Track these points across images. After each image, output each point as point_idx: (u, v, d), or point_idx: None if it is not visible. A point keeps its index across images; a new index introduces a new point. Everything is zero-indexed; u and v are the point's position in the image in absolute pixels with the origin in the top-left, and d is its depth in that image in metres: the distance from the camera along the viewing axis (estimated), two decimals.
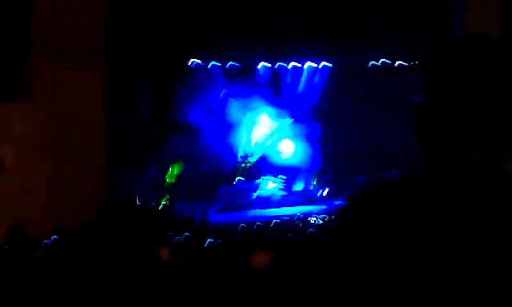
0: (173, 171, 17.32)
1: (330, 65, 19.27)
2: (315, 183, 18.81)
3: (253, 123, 18.68)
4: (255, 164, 18.48)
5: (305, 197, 18.14)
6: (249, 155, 18.47)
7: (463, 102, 1.89)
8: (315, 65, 19.30)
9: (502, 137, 1.89)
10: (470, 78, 1.89)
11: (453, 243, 1.84)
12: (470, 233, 1.84)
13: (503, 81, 1.88)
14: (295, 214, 15.78)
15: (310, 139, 18.77)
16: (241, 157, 18.46)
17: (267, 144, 18.81)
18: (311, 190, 18.50)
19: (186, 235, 13.93)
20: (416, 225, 1.85)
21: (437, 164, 1.93)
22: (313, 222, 14.22)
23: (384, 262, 1.87)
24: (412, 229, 1.85)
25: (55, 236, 12.29)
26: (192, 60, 17.30)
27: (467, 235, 1.84)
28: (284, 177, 18.34)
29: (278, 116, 18.91)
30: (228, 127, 18.22)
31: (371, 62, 19.17)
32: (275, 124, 18.93)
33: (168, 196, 16.85)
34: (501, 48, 1.93)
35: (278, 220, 15.23)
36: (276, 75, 19.04)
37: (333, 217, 14.35)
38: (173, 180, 17.24)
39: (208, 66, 17.95)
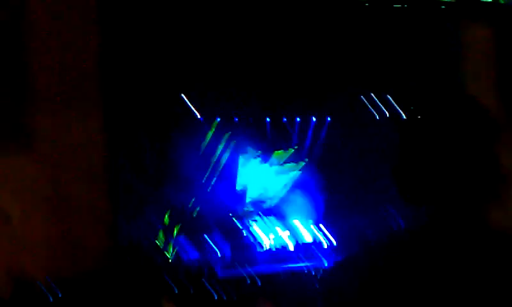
0: (178, 223, 17.22)
1: (333, 118, 19.29)
2: (321, 236, 18.67)
3: (258, 176, 18.63)
4: (261, 216, 18.38)
5: (311, 250, 17.98)
6: (254, 207, 18.39)
7: (436, 157, 1.97)
8: (319, 118, 19.33)
9: (476, 193, 1.97)
10: (443, 136, 1.99)
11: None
12: None
13: (473, 137, 1.97)
14: (303, 267, 15.66)
15: (316, 190, 18.68)
16: (247, 209, 18.37)
17: (273, 196, 18.74)
18: (317, 243, 18.34)
19: (192, 288, 13.85)
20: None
21: (418, 218, 1.99)
22: (318, 275, 14.15)
23: None
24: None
25: (57, 286, 12.22)
26: (195, 111, 17.35)
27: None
28: (289, 230, 18.22)
29: (284, 168, 18.87)
30: (233, 180, 18.18)
31: (376, 115, 19.20)
32: (281, 176, 18.88)
33: (172, 248, 16.72)
34: (473, 102, 2.04)
35: (283, 274, 15.15)
36: (281, 128, 19.06)
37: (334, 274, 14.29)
38: (179, 232, 17.13)
39: (214, 119, 17.98)
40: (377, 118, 19.07)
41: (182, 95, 16.74)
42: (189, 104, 17.02)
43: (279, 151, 18.86)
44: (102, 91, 13.16)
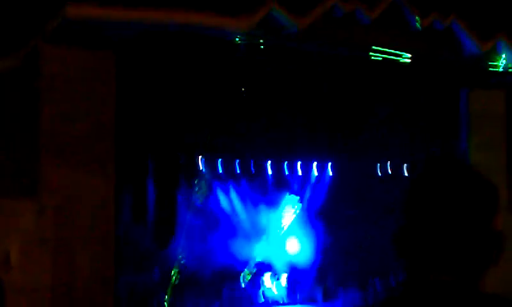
0: (177, 274, 17.16)
1: (336, 169, 19.36)
2: (321, 286, 18.64)
3: (261, 223, 18.64)
4: (260, 265, 18.35)
5: (311, 301, 17.96)
6: (254, 258, 18.36)
7: (435, 226, 1.99)
8: (322, 165, 19.40)
9: (472, 260, 1.99)
10: (443, 206, 2.00)
11: None
12: None
13: (473, 209, 1.99)
14: None
15: (317, 241, 18.70)
16: (247, 259, 18.33)
17: (274, 245, 18.73)
18: (317, 293, 18.31)
19: None
20: None
21: (414, 283, 2.03)
22: None
23: None
24: None
25: None
26: (200, 158, 17.39)
27: None
28: (288, 283, 18.18)
29: (285, 215, 18.89)
30: (235, 228, 18.18)
31: (378, 166, 19.28)
32: (282, 224, 18.90)
33: (170, 297, 16.65)
34: (476, 176, 2.04)
35: None
36: (283, 174, 19.11)
37: None
38: (177, 282, 17.07)
39: (216, 167, 18.02)
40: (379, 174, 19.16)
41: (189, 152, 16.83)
42: (196, 159, 17.09)
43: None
44: (112, 145, 13.16)
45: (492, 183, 2.04)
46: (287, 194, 18.98)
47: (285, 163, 19.04)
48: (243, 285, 18.00)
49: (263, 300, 17.57)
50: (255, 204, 18.45)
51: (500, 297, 1.97)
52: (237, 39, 13.62)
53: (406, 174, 18.78)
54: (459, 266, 2.00)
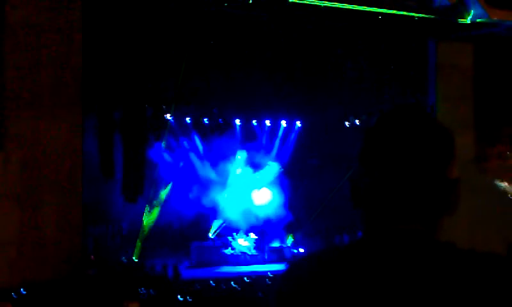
0: (145, 225, 17.17)
1: (305, 122, 19.34)
2: (289, 240, 18.73)
3: (228, 178, 18.63)
4: (228, 219, 18.37)
5: (278, 255, 18.01)
6: (222, 210, 18.37)
7: (390, 174, 1.99)
8: (290, 122, 19.37)
9: (428, 208, 1.99)
10: (404, 152, 1.99)
11: None
12: (403, 300, 1.90)
13: (428, 156, 1.99)
14: (267, 272, 15.69)
15: (284, 195, 18.73)
16: (215, 212, 18.35)
17: (241, 199, 18.73)
18: (284, 248, 18.38)
19: (157, 290, 13.84)
20: (351, 292, 1.92)
21: (376, 233, 2.00)
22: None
23: None
24: (347, 297, 1.91)
25: (24, 290, 12.13)
26: (167, 113, 17.28)
27: (401, 302, 1.90)
28: (256, 235, 18.24)
29: (252, 171, 18.88)
30: (202, 182, 18.15)
31: (346, 121, 19.30)
32: (249, 179, 18.90)
33: (139, 250, 16.67)
34: (432, 124, 2.03)
35: (249, 278, 15.17)
36: (251, 131, 19.07)
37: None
38: (145, 234, 17.08)
39: (184, 120, 17.93)
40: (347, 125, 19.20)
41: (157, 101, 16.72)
42: (164, 108, 16.99)
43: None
44: (79, 96, 13.03)
45: (448, 130, 2.03)
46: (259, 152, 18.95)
47: (254, 120, 18.99)
48: (212, 237, 18.05)
49: (231, 251, 17.62)
50: (223, 158, 18.41)
51: (454, 246, 1.97)
52: None
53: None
54: (415, 214, 1.99)
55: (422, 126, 2.01)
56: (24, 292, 12.10)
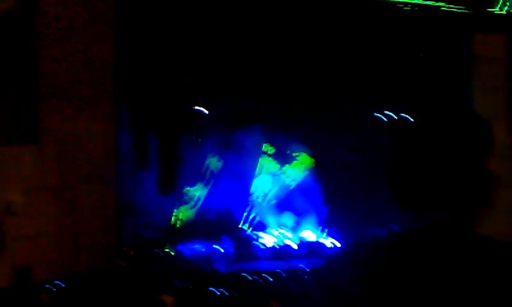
0: (179, 218, 17.21)
1: (338, 115, 19.19)
2: (322, 235, 18.67)
3: (261, 171, 18.59)
4: (262, 212, 18.35)
5: (312, 249, 17.96)
6: (257, 203, 18.36)
7: (437, 167, 2.01)
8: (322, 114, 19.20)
9: (466, 201, 2.01)
10: (444, 144, 2.02)
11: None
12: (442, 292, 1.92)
13: (474, 145, 2.00)
14: (302, 265, 15.68)
15: (317, 188, 18.65)
16: (249, 205, 18.34)
17: (276, 192, 18.69)
18: (318, 242, 18.32)
19: (192, 283, 13.87)
20: (398, 283, 1.96)
21: (410, 226, 2.04)
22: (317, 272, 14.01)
23: None
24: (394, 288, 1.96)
25: (60, 282, 12.22)
26: (201, 106, 17.25)
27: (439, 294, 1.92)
28: (290, 228, 18.20)
29: (284, 164, 18.79)
30: (235, 175, 18.13)
31: (381, 114, 19.14)
32: (282, 172, 18.83)
33: (173, 243, 16.73)
34: (472, 113, 2.05)
35: (286, 272, 15.16)
36: (284, 124, 18.94)
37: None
38: (179, 227, 17.13)
39: (219, 114, 17.88)
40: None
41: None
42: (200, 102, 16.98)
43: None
44: (114, 88, 13.10)
45: (486, 122, 2.02)
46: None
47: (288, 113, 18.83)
48: (246, 230, 18.05)
49: (265, 245, 17.60)
50: (256, 151, 18.34)
51: (493, 239, 1.96)
52: None
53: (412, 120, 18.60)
54: (454, 206, 1.99)
55: (460, 117, 2.00)
56: (62, 285, 12.19)
